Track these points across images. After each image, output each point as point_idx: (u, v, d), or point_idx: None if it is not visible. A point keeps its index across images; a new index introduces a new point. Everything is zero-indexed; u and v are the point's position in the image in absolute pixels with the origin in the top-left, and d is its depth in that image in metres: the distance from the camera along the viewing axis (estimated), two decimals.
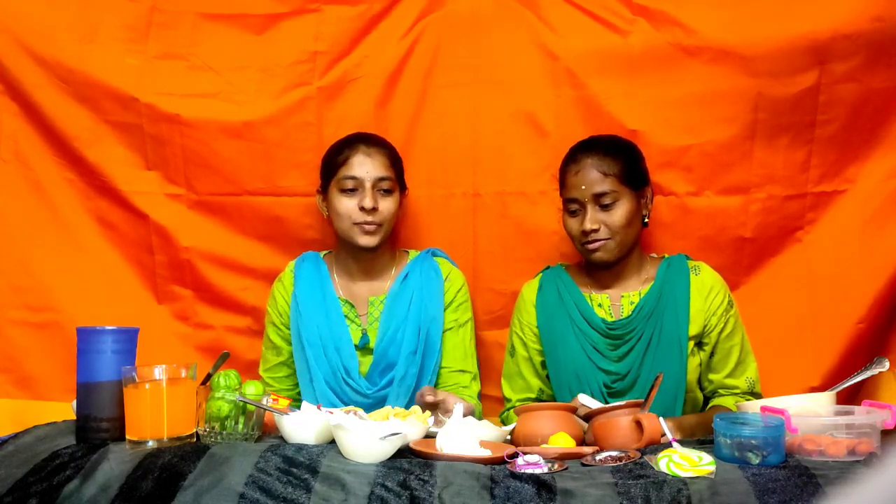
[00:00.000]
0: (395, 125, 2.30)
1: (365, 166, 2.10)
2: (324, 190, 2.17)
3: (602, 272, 2.08)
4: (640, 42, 2.21)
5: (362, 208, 2.08)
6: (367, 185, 2.09)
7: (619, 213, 1.99)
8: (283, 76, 2.29)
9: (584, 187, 1.99)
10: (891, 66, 2.10)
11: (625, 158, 2.02)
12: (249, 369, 2.28)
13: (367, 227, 2.09)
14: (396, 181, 2.15)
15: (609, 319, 2.06)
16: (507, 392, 2.17)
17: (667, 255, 2.14)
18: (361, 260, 2.18)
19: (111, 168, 2.29)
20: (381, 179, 2.11)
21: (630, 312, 2.05)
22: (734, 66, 2.15)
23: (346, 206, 2.10)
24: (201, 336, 2.37)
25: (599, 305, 2.08)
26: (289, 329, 2.18)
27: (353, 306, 2.18)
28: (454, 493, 1.37)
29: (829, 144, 2.17)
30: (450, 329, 2.17)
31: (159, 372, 1.65)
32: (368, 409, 1.85)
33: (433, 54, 2.30)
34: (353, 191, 2.10)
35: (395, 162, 2.16)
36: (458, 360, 2.17)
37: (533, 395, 2.14)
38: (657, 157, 2.16)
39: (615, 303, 2.08)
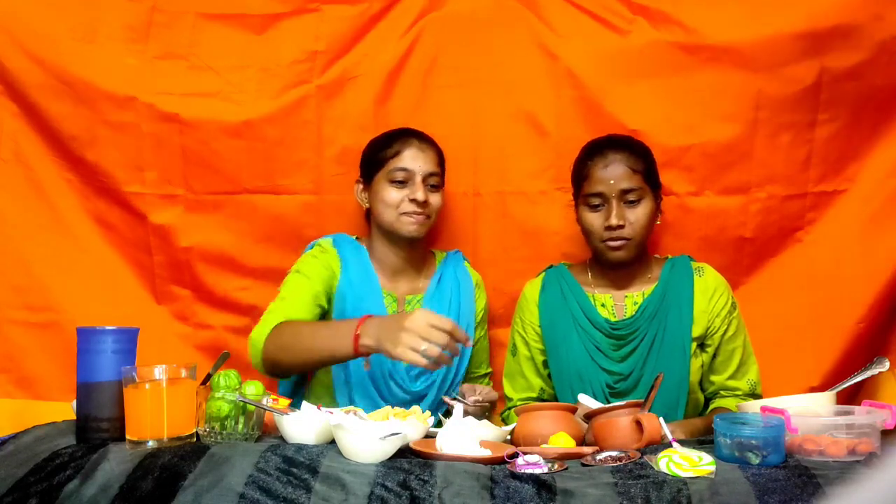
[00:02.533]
0: (395, 124, 2.29)
1: (418, 160, 2.11)
2: (367, 180, 2.17)
3: (610, 272, 2.08)
4: (640, 42, 2.22)
5: (413, 200, 2.08)
6: (418, 178, 2.10)
7: (643, 210, 1.99)
8: (282, 75, 2.29)
9: (612, 182, 1.98)
10: (891, 64, 2.10)
11: (647, 158, 2.04)
12: (249, 369, 2.27)
13: (416, 216, 2.09)
14: (441, 178, 2.17)
15: (612, 319, 2.06)
16: (509, 391, 2.17)
17: (670, 256, 2.13)
18: (400, 255, 2.17)
19: (110, 168, 2.29)
20: (432, 174, 2.12)
21: (633, 313, 2.04)
22: (734, 65, 2.15)
23: (395, 197, 2.10)
24: (201, 336, 2.37)
25: (602, 305, 2.08)
26: (329, 288, 2.11)
27: (395, 300, 2.18)
28: (454, 493, 1.36)
29: (829, 143, 2.17)
30: (480, 338, 2.24)
31: (159, 372, 1.65)
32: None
33: (433, 54, 2.30)
34: (402, 182, 2.10)
35: (442, 160, 2.18)
36: (482, 364, 2.27)
37: (534, 395, 2.14)
38: (657, 157, 2.14)
39: (618, 303, 2.08)
